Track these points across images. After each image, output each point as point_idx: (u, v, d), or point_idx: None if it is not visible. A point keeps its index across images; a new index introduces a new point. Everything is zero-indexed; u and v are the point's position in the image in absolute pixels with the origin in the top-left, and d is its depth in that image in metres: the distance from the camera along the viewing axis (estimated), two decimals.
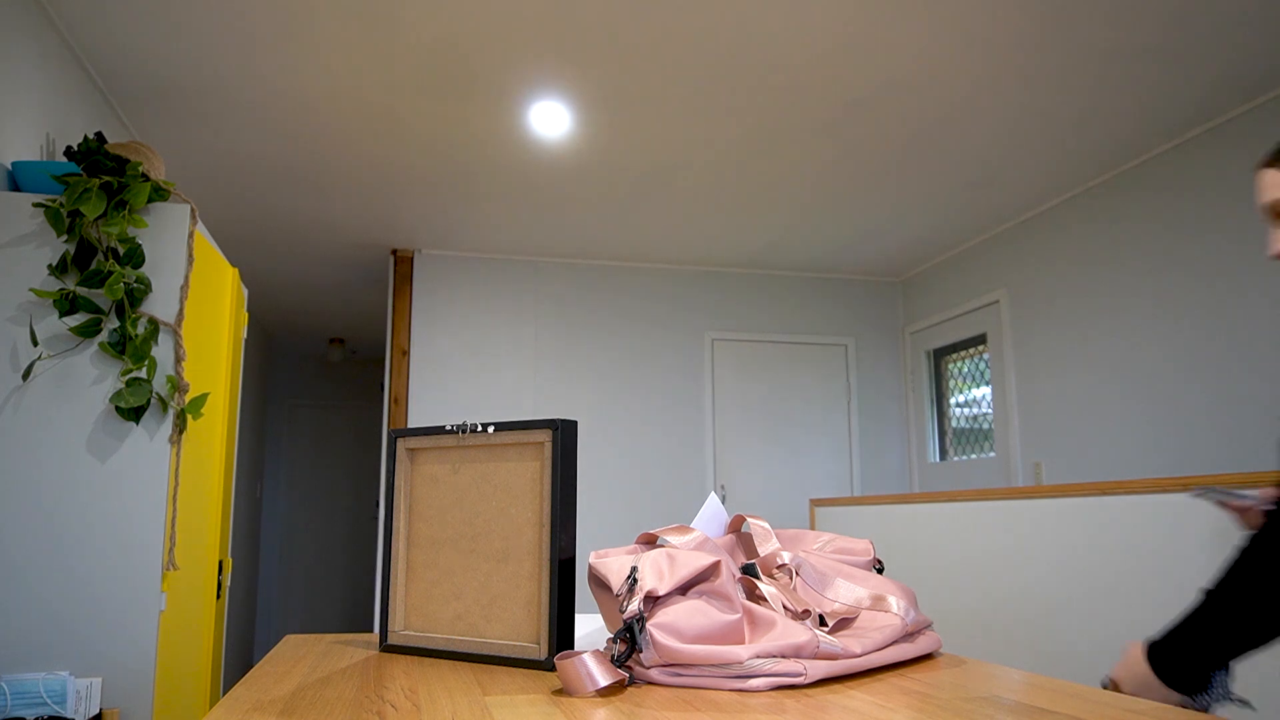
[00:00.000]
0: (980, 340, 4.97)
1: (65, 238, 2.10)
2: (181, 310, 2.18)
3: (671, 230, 4.78)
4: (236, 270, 2.50)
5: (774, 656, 0.72)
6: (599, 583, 0.78)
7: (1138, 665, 1.16)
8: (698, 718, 0.62)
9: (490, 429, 0.92)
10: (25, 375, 2.04)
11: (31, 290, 2.07)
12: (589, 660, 0.70)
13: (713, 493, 0.97)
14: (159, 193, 2.19)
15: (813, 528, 3.61)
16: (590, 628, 1.02)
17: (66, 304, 2.06)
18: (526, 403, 5.07)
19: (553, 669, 0.82)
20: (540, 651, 0.83)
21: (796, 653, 0.73)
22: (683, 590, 0.74)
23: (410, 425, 4.90)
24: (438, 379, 4.99)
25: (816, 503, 3.59)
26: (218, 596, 2.34)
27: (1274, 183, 1.25)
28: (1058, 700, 0.66)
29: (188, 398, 2.13)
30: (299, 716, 0.65)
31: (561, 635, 0.83)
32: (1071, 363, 4.21)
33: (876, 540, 3.10)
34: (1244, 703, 1.16)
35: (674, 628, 0.71)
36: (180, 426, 2.12)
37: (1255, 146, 3.31)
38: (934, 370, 5.46)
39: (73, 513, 2.02)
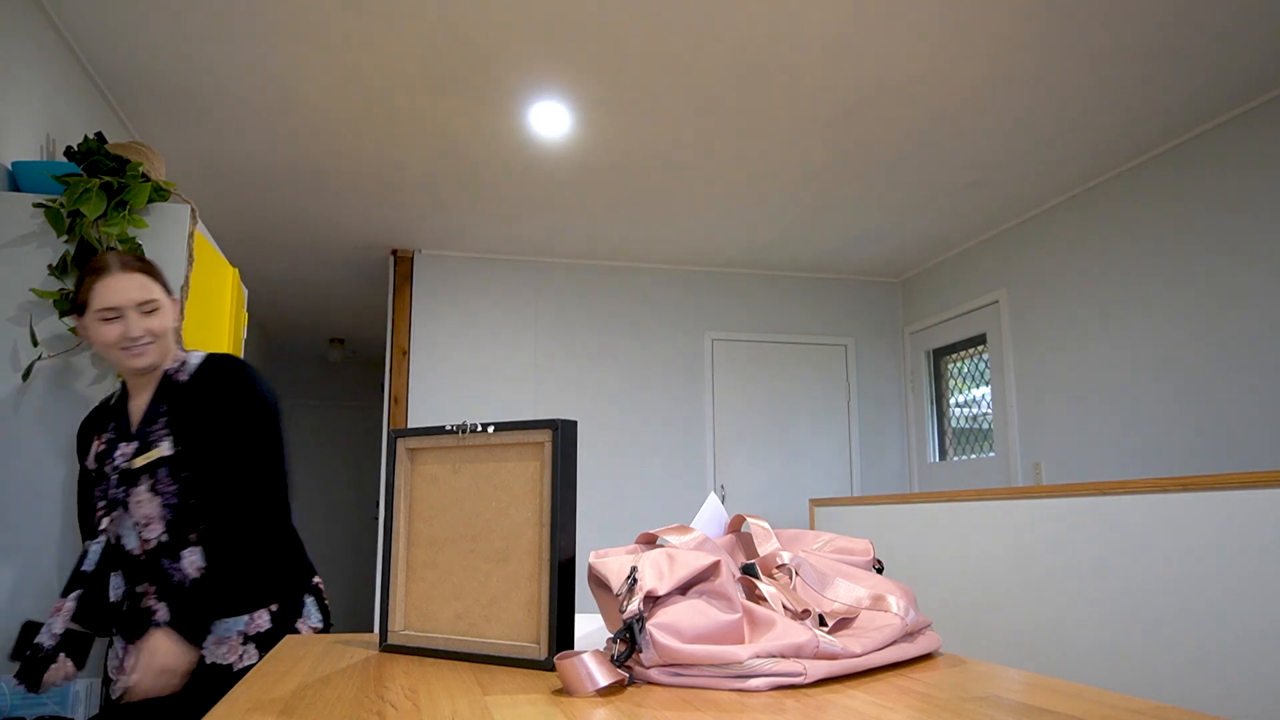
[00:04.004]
0: (980, 340, 4.97)
1: (65, 238, 2.10)
2: (181, 310, 2.18)
3: (671, 230, 4.78)
4: (236, 270, 2.50)
5: (774, 656, 0.72)
6: (599, 583, 0.78)
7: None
8: (698, 717, 0.62)
9: (490, 429, 0.92)
10: (25, 375, 2.04)
11: (32, 290, 2.07)
12: (589, 660, 0.70)
13: (713, 493, 0.97)
14: (159, 193, 2.19)
15: (813, 528, 3.61)
16: (590, 628, 1.01)
17: (67, 304, 2.06)
18: (526, 403, 5.07)
19: (553, 669, 0.82)
20: (540, 651, 0.83)
21: (796, 652, 0.73)
22: (683, 590, 0.74)
23: (410, 425, 4.90)
24: (438, 379, 4.99)
25: (816, 503, 3.59)
26: None
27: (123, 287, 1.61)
28: (1058, 700, 0.66)
29: None
30: (299, 716, 0.65)
31: (561, 635, 0.83)
32: (1071, 362, 4.21)
33: (876, 540, 3.10)
34: None
35: (674, 628, 0.71)
36: None
37: (1256, 146, 3.31)
38: (934, 370, 5.46)
39: (73, 513, 2.02)
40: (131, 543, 1.59)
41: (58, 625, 1.57)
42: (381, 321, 6.56)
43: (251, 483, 1.58)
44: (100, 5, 2.66)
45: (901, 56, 3.01)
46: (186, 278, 2.20)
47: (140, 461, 1.57)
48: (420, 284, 5.06)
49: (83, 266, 2.08)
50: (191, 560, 1.57)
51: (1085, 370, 4.12)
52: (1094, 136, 3.63)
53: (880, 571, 0.95)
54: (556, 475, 0.86)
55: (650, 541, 0.84)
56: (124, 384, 1.71)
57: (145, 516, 1.57)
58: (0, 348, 2.05)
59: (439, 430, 0.96)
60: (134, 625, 1.60)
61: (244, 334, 2.74)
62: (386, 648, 0.95)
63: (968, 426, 5.12)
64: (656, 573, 0.73)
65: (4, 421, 2.02)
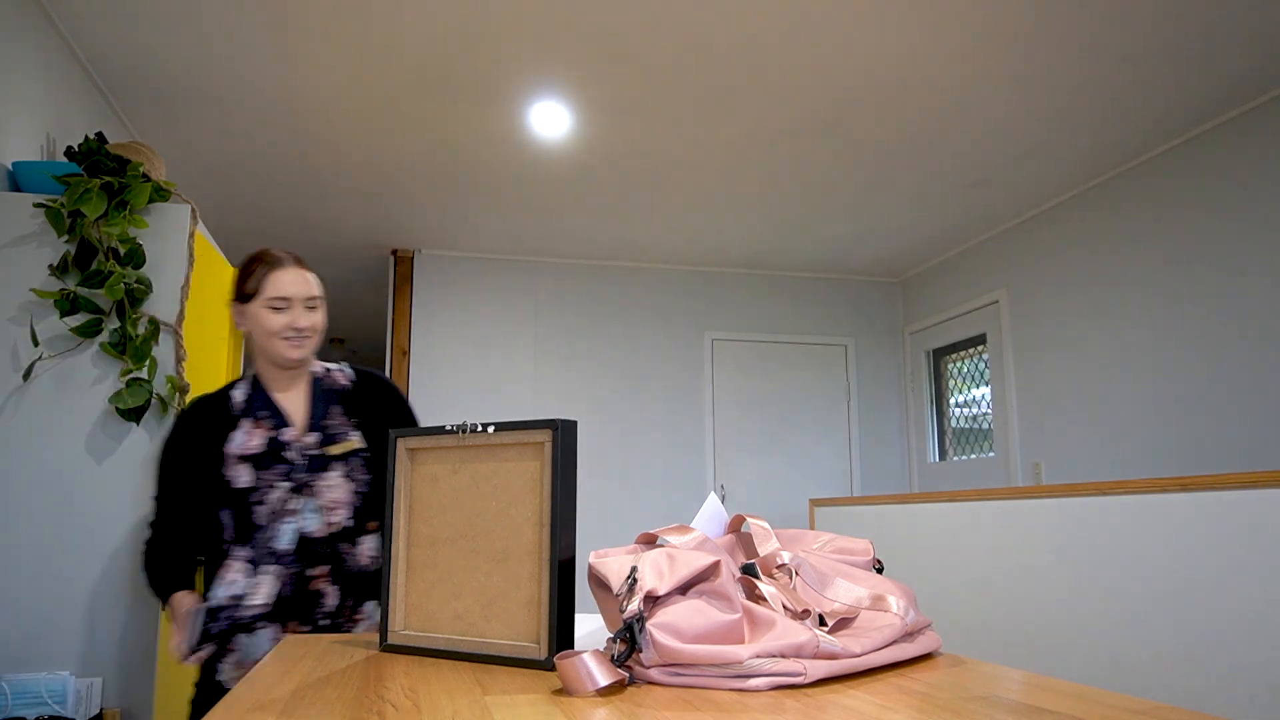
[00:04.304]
0: (980, 340, 4.97)
1: (66, 238, 2.10)
2: (182, 310, 2.18)
3: (671, 230, 4.78)
4: (237, 270, 2.50)
5: (774, 656, 0.72)
6: (599, 583, 0.78)
7: None
8: (698, 717, 0.62)
9: (490, 429, 0.92)
10: (25, 375, 2.04)
11: (32, 290, 2.07)
12: (589, 660, 0.70)
13: (713, 493, 0.97)
14: (160, 193, 2.19)
15: (813, 528, 3.61)
16: (590, 628, 1.01)
17: (67, 304, 2.06)
18: (526, 403, 5.07)
19: (553, 669, 0.82)
20: (540, 651, 0.83)
21: (796, 652, 0.73)
22: (683, 590, 0.74)
23: None
24: (438, 379, 4.99)
25: (816, 503, 3.59)
26: None
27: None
28: (1058, 700, 0.66)
29: (188, 398, 2.14)
30: (299, 716, 0.65)
31: (561, 635, 0.83)
32: (1071, 362, 4.21)
33: (876, 540, 3.10)
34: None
35: (674, 628, 0.71)
36: None
37: (1256, 146, 3.31)
38: (934, 370, 5.46)
39: (73, 513, 2.02)
40: (314, 525, 1.62)
41: (260, 597, 1.56)
42: (381, 321, 6.55)
43: None
44: (101, 6, 2.66)
45: (901, 56, 3.01)
46: (187, 278, 2.20)
47: (337, 449, 1.67)
48: (420, 284, 5.06)
49: (83, 267, 2.09)
50: (365, 548, 1.66)
51: (1085, 370, 4.12)
52: (1093, 136, 3.63)
53: (880, 571, 0.95)
54: (556, 475, 0.86)
55: (650, 541, 0.84)
56: (254, 378, 1.71)
57: (334, 501, 1.64)
58: (0, 348, 2.05)
59: (439, 430, 0.96)
60: (298, 609, 1.59)
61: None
62: (386, 647, 0.95)
63: (968, 426, 5.12)
64: (656, 573, 0.73)
65: (4, 421, 2.02)
